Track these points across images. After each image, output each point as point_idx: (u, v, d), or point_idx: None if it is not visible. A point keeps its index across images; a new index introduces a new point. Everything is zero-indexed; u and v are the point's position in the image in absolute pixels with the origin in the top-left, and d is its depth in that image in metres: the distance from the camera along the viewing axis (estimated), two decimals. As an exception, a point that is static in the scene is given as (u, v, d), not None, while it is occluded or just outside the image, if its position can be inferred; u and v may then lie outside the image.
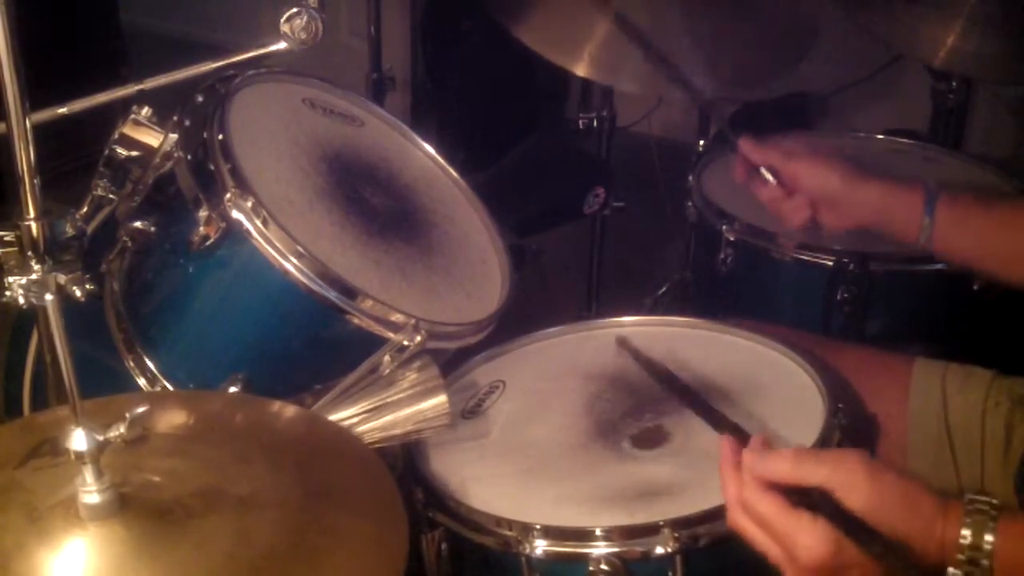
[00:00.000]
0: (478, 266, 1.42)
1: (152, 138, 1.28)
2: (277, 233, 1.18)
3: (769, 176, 1.44)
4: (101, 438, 0.89)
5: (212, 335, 1.27)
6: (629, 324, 1.49)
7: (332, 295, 1.18)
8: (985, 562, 0.92)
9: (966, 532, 0.93)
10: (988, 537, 0.92)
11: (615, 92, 2.20)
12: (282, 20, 1.23)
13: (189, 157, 1.24)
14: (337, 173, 1.34)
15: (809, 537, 0.94)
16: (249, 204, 1.18)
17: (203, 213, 1.19)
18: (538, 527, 1.11)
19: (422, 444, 1.26)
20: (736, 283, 1.75)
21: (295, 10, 1.23)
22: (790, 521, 0.96)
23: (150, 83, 1.25)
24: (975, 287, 1.61)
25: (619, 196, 2.18)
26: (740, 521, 1.00)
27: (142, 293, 1.31)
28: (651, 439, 1.24)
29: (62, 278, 1.00)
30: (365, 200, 1.35)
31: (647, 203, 2.36)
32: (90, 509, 0.89)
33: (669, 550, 1.07)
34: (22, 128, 0.93)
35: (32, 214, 0.97)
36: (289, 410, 1.12)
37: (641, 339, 1.43)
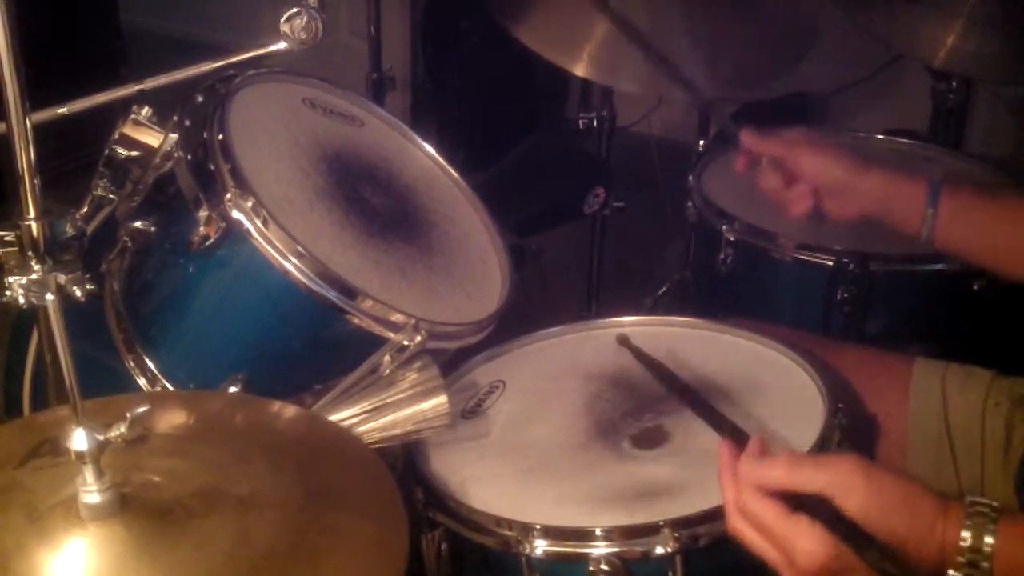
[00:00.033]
0: (478, 266, 1.42)
1: (152, 138, 1.28)
2: (277, 233, 1.18)
3: (770, 167, 1.43)
4: (101, 438, 0.89)
5: (212, 335, 1.27)
6: (629, 324, 1.49)
7: (332, 295, 1.18)
8: (985, 564, 0.92)
9: (966, 534, 0.93)
10: (988, 539, 0.92)
11: (615, 92, 2.20)
12: (282, 20, 1.23)
13: (189, 157, 1.24)
14: (337, 173, 1.34)
15: (807, 541, 0.94)
16: (249, 204, 1.18)
17: (203, 213, 1.19)
18: (538, 527, 1.11)
19: (422, 444, 1.26)
20: (736, 283, 1.75)
21: (295, 10, 1.23)
22: (788, 526, 0.96)
23: (150, 83, 1.25)
24: (975, 287, 1.61)
25: (619, 196, 2.18)
26: (739, 526, 1.00)
27: (142, 293, 1.31)
28: (651, 439, 1.24)
29: (62, 278, 1.00)
30: (365, 200, 1.35)
31: (647, 203, 2.36)
32: (90, 509, 0.89)
33: (669, 550, 1.07)
34: (22, 128, 0.93)
35: (32, 214, 0.97)
36: (289, 410, 1.12)
37: (641, 339, 1.43)
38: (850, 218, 1.41)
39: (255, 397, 1.20)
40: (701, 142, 2.30)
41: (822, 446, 1.16)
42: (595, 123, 2.23)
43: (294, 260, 1.18)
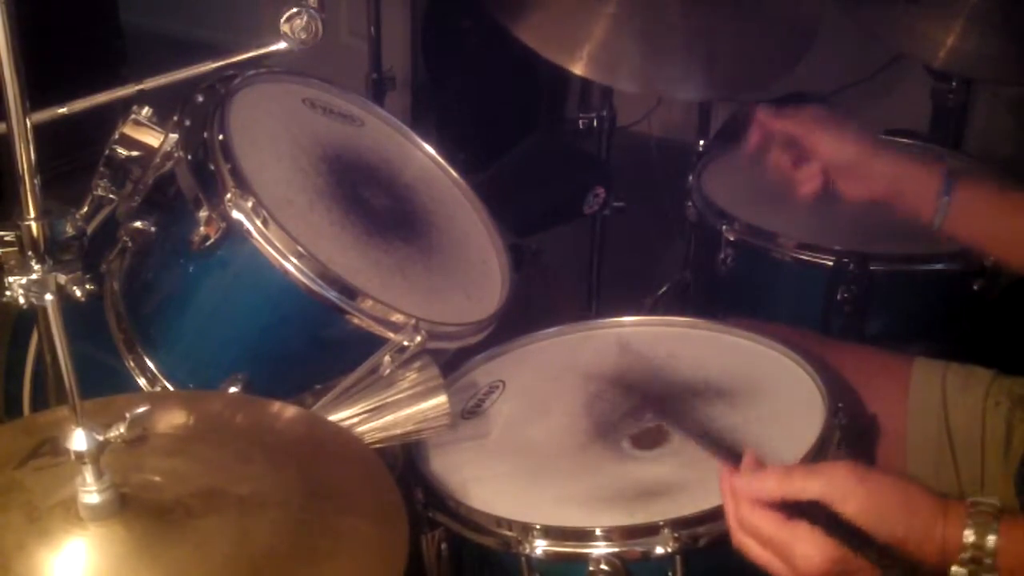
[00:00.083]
0: (478, 266, 1.42)
1: (152, 138, 1.28)
2: (277, 233, 1.18)
3: (782, 145, 1.43)
4: (101, 438, 0.89)
5: (212, 335, 1.27)
6: (629, 324, 1.49)
7: (332, 295, 1.18)
8: (988, 560, 0.92)
9: (969, 532, 0.93)
10: (991, 537, 0.93)
11: (615, 92, 2.20)
12: (282, 20, 1.23)
13: (189, 157, 1.24)
14: (337, 173, 1.34)
15: (807, 546, 0.95)
16: (249, 204, 1.18)
17: (203, 213, 1.19)
18: (538, 527, 1.11)
19: (422, 444, 1.26)
20: (736, 283, 1.75)
21: (295, 10, 1.22)
22: (787, 533, 0.96)
23: (150, 83, 1.25)
24: (975, 287, 1.61)
25: (619, 196, 2.17)
26: (743, 541, 1.01)
27: (142, 293, 1.31)
28: (651, 439, 1.24)
29: (62, 278, 1.00)
30: (365, 200, 1.35)
31: (647, 203, 2.35)
32: (90, 509, 0.89)
33: (669, 550, 1.08)
34: (22, 128, 0.93)
35: (32, 214, 0.97)
36: (289, 410, 1.12)
37: (641, 339, 1.44)
38: (860, 200, 1.39)
39: (255, 397, 1.19)
40: (701, 142, 2.30)
41: (822, 446, 1.16)
42: (595, 123, 2.23)
43: (294, 260, 1.17)
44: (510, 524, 1.13)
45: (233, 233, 1.18)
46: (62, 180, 1.36)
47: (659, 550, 1.08)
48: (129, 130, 1.28)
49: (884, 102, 2.95)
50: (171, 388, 1.26)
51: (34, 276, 0.99)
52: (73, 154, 1.98)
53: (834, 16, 1.92)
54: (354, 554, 0.92)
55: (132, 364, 1.27)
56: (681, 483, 1.16)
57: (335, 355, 1.24)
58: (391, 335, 1.20)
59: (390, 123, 1.52)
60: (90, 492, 0.89)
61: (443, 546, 1.19)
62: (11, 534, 0.89)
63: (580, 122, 2.24)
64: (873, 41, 2.08)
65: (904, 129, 2.18)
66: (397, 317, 1.20)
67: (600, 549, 1.09)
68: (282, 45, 1.25)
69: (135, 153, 1.28)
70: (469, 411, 1.34)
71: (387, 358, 1.20)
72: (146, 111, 1.29)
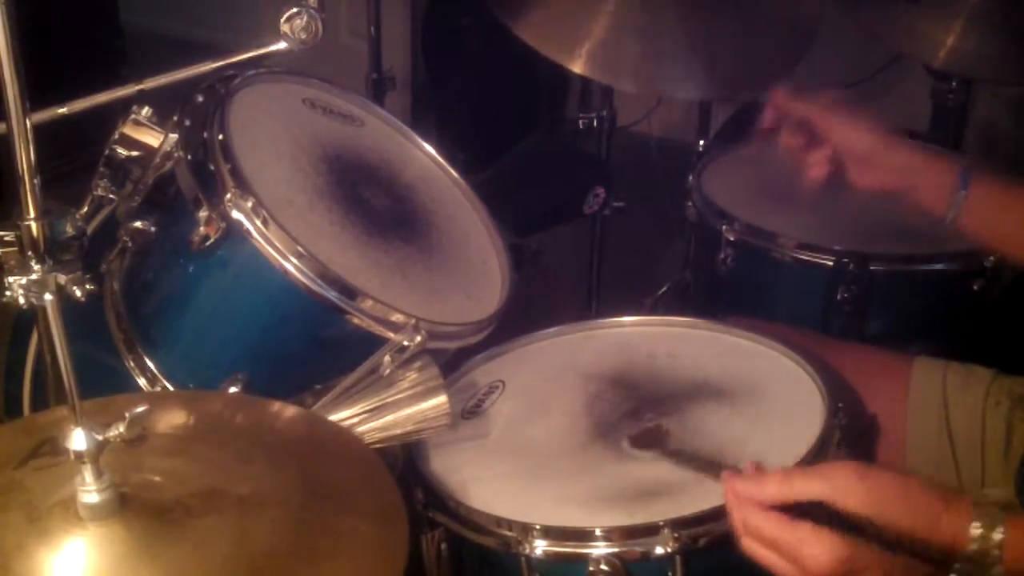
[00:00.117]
0: (478, 266, 1.42)
1: (152, 138, 1.28)
2: (277, 233, 1.18)
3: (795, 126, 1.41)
4: (100, 438, 0.89)
5: (212, 335, 1.27)
6: (629, 324, 1.49)
7: (332, 295, 1.18)
8: (996, 553, 0.92)
9: (976, 525, 0.93)
10: (999, 530, 0.93)
11: (615, 92, 2.20)
12: (282, 20, 1.23)
13: (189, 157, 1.24)
14: (337, 173, 1.34)
15: (814, 546, 0.95)
16: (249, 204, 1.18)
17: (203, 213, 1.19)
18: (538, 527, 1.11)
19: (422, 444, 1.26)
20: (736, 283, 1.75)
21: (295, 10, 1.22)
22: (793, 534, 0.96)
23: (150, 83, 1.25)
24: (975, 287, 1.61)
25: (619, 196, 2.17)
26: (750, 546, 1.01)
27: (142, 293, 1.31)
28: (651, 439, 1.24)
29: (62, 278, 1.00)
30: (365, 200, 1.35)
31: (647, 203, 2.35)
32: (90, 509, 0.89)
33: (669, 550, 1.07)
34: (22, 128, 0.93)
35: (32, 214, 0.97)
36: (289, 410, 1.12)
37: (641, 339, 1.44)
38: (870, 190, 1.38)
39: (255, 397, 1.19)
40: (701, 142, 2.30)
41: (822, 446, 1.16)
42: (595, 123, 2.23)
43: (294, 260, 1.17)
44: (510, 524, 1.13)
45: (233, 233, 1.18)
46: (62, 180, 1.36)
47: (659, 550, 1.08)
48: (129, 130, 1.28)
49: (884, 102, 2.94)
50: (171, 388, 1.26)
51: (34, 276, 0.99)
52: (73, 154, 1.98)
53: (834, 16, 1.92)
54: (354, 554, 0.92)
55: (132, 364, 1.27)
56: (681, 483, 1.16)
57: (335, 355, 1.24)
58: (391, 335, 1.20)
59: (390, 123, 1.52)
60: (89, 492, 0.89)
61: (443, 546, 1.19)
62: (11, 534, 0.89)
63: (580, 122, 2.24)
64: (873, 41, 2.08)
65: (904, 129, 2.17)
66: (397, 317, 1.20)
67: (600, 549, 1.09)
68: (282, 45, 1.25)
69: (135, 153, 1.28)
70: (469, 411, 1.34)
71: (387, 358, 1.20)
72: (146, 111, 1.29)
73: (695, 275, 1.99)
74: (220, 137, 1.22)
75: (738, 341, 1.42)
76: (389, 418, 1.20)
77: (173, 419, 1.06)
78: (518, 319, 1.41)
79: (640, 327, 1.48)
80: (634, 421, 1.28)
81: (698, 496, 1.12)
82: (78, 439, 0.88)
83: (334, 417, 1.18)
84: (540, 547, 1.11)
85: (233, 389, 1.21)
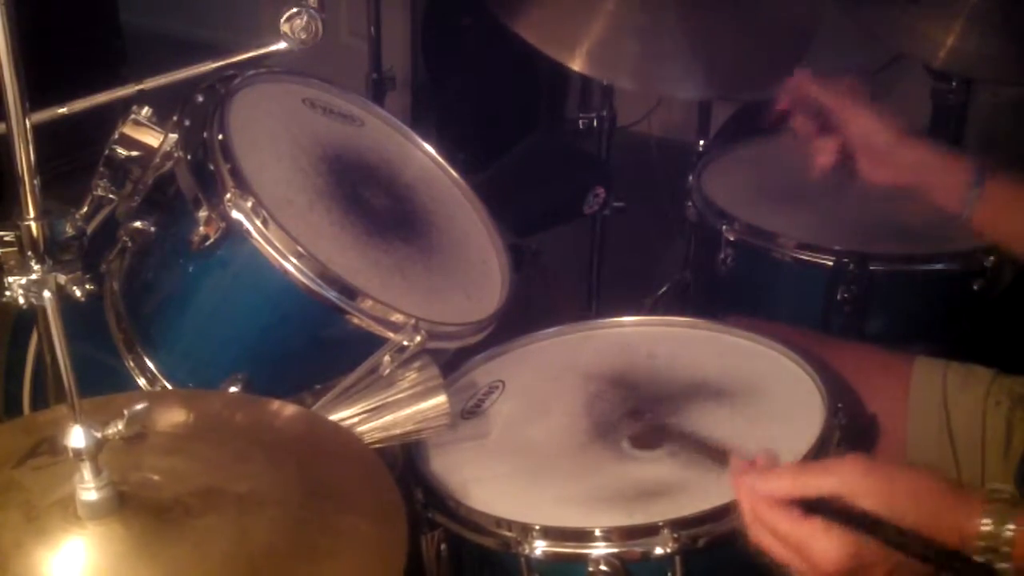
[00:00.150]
0: (478, 266, 1.41)
1: (152, 138, 1.28)
2: (277, 233, 1.18)
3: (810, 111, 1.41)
4: (99, 435, 0.89)
5: (212, 335, 1.27)
6: (629, 324, 1.49)
7: (332, 295, 1.18)
8: (1006, 549, 0.92)
9: (987, 520, 0.93)
10: (1010, 526, 0.93)
11: (615, 92, 2.20)
12: (282, 20, 1.23)
13: (189, 157, 1.24)
14: (337, 173, 1.34)
15: (824, 542, 0.94)
16: (249, 204, 1.18)
17: (203, 213, 1.19)
18: (537, 528, 1.11)
19: (422, 444, 1.26)
20: (736, 283, 1.75)
21: (295, 10, 1.22)
22: (804, 530, 0.96)
23: (150, 83, 1.25)
24: (975, 287, 1.61)
25: (619, 196, 2.17)
26: (760, 537, 1.00)
27: (142, 293, 1.31)
28: (650, 439, 1.24)
29: (62, 278, 1.00)
30: (365, 200, 1.35)
31: (647, 203, 2.35)
32: (88, 507, 0.89)
33: (668, 551, 1.08)
34: (22, 128, 0.93)
35: (32, 214, 0.98)
36: (288, 409, 1.12)
37: (641, 339, 1.44)
38: (881, 184, 1.37)
39: (254, 396, 1.19)
40: (701, 142, 2.30)
41: (822, 446, 1.16)
42: (595, 123, 2.23)
43: (294, 260, 1.17)
44: (510, 524, 1.13)
45: (233, 233, 1.18)
46: (62, 180, 1.37)
47: (658, 551, 1.08)
48: (129, 130, 1.28)
49: (884, 102, 2.94)
50: (171, 388, 1.26)
51: (34, 276, 0.99)
52: (73, 154, 1.98)
53: (834, 16, 1.92)
54: (353, 553, 0.92)
55: (132, 364, 1.27)
56: (681, 483, 1.16)
57: (335, 355, 1.24)
58: (391, 335, 1.20)
59: (390, 123, 1.52)
60: (88, 489, 0.89)
61: (443, 546, 1.19)
62: (9, 533, 0.89)
63: (580, 122, 2.24)
64: (873, 41, 2.08)
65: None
66: (397, 317, 1.20)
67: (599, 550, 1.09)
68: (282, 45, 1.25)
69: (135, 153, 1.28)
70: (469, 411, 1.34)
71: (387, 358, 1.20)
72: (146, 111, 1.29)
73: (695, 275, 1.99)
74: (220, 137, 1.22)
75: (738, 341, 1.42)
76: (389, 418, 1.20)
77: (172, 418, 1.06)
78: (518, 319, 1.41)
79: (640, 327, 1.48)
80: (634, 421, 1.27)
81: (698, 496, 1.12)
82: (77, 436, 0.88)
83: (334, 417, 1.18)
84: (540, 547, 1.11)
85: (233, 389, 1.21)
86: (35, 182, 0.96)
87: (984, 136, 2.77)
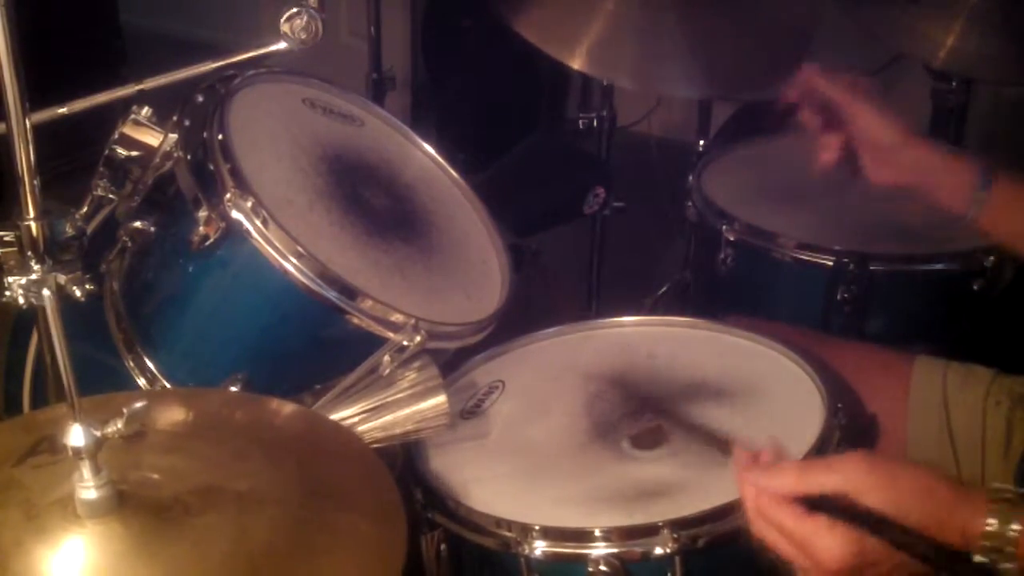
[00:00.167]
0: (478, 266, 1.42)
1: (152, 138, 1.28)
2: (277, 233, 1.18)
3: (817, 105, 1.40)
4: (99, 434, 0.89)
5: (212, 335, 1.27)
6: (629, 324, 1.49)
7: (332, 295, 1.18)
8: (1010, 549, 0.92)
9: (992, 520, 0.93)
10: (1014, 525, 0.92)
11: (615, 92, 2.20)
12: (282, 20, 1.23)
13: (189, 157, 1.24)
14: (337, 173, 1.34)
15: (828, 539, 0.94)
16: (249, 204, 1.18)
17: (203, 213, 1.19)
18: (537, 528, 1.11)
19: (422, 444, 1.26)
20: (736, 283, 1.75)
21: (295, 10, 1.22)
22: (808, 527, 0.96)
23: (150, 83, 1.25)
24: (975, 287, 1.61)
25: (619, 196, 2.17)
26: (763, 533, 1.00)
27: (142, 293, 1.31)
28: (650, 439, 1.24)
29: (62, 278, 1.00)
30: (365, 200, 1.35)
31: (647, 203, 2.36)
32: (87, 506, 0.89)
33: (668, 551, 1.08)
34: (22, 128, 0.93)
35: (32, 214, 0.98)
36: (288, 408, 1.12)
37: (641, 339, 1.44)
38: (885, 183, 1.37)
39: (254, 395, 1.19)
40: (701, 142, 2.30)
41: (822, 446, 1.16)
42: (595, 123, 2.23)
43: (294, 260, 1.17)
44: (509, 525, 1.13)
45: (233, 233, 1.18)
46: (62, 180, 1.37)
47: (658, 551, 1.08)
48: (129, 130, 1.28)
49: (884, 102, 2.94)
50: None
51: (34, 276, 0.99)
52: (73, 154, 1.99)
53: (834, 16, 1.92)
54: (352, 552, 0.92)
55: (132, 364, 1.27)
56: (680, 484, 1.16)
57: (335, 355, 1.24)
58: (391, 335, 1.20)
59: (390, 123, 1.52)
60: (87, 488, 0.89)
61: (442, 546, 1.19)
62: (8, 531, 0.89)
63: (580, 122, 2.24)
64: (873, 41, 2.08)
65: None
66: (397, 317, 1.20)
67: (599, 550, 1.09)
68: (282, 45, 1.25)
69: (135, 153, 1.28)
70: (469, 411, 1.34)
71: (387, 358, 1.20)
72: (146, 111, 1.29)
73: (695, 275, 1.99)
74: (220, 137, 1.22)
75: (738, 341, 1.42)
76: (388, 418, 1.20)
77: (172, 416, 1.06)
78: (518, 319, 1.41)
79: (640, 327, 1.48)
80: (634, 421, 1.28)
81: (697, 496, 1.12)
82: (76, 435, 0.88)
83: (334, 417, 1.19)
84: (539, 548, 1.11)
85: (233, 389, 1.21)
86: (35, 182, 0.96)
87: (984, 136, 2.77)
